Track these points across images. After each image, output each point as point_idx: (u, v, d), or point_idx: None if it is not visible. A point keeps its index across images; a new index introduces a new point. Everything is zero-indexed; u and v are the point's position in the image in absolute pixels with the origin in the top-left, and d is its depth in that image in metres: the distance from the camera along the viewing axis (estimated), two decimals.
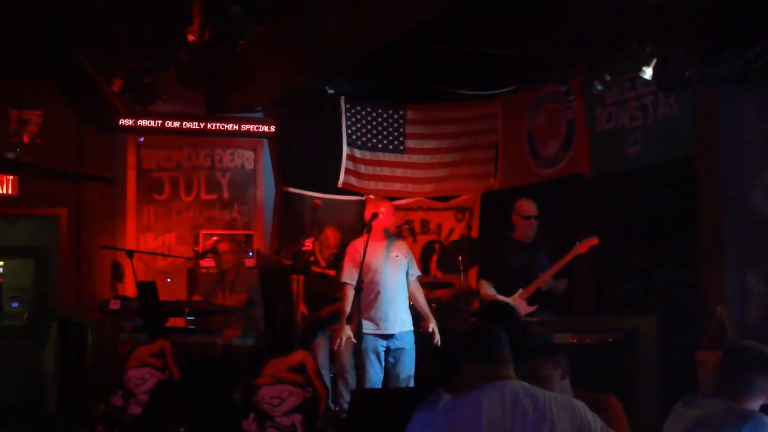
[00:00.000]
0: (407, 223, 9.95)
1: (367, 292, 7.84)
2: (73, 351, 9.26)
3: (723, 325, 7.19)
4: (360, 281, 7.54)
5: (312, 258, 8.93)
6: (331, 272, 8.82)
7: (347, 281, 7.88)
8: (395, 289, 7.94)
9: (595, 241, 7.88)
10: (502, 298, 8.00)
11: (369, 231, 7.67)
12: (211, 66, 9.40)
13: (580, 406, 3.75)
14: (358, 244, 7.94)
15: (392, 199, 10.54)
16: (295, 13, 8.05)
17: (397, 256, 7.99)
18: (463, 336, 4.15)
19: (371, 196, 10.31)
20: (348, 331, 7.73)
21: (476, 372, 3.89)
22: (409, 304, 8.07)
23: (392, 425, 4.71)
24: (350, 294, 7.81)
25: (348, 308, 7.76)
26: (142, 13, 7.91)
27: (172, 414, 6.93)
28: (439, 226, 10.85)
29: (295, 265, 8.94)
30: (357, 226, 10.06)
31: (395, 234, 8.31)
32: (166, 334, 8.26)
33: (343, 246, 8.66)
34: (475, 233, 10.72)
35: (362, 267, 7.66)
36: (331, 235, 9.09)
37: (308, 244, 9.16)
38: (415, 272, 8.14)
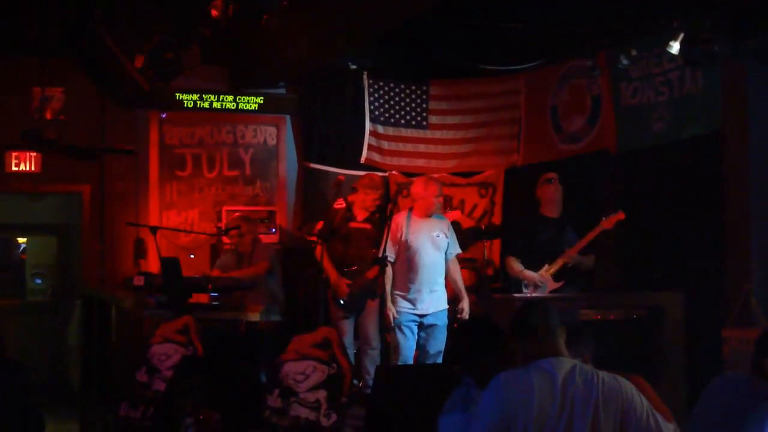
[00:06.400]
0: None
1: (405, 270, 7.83)
2: (96, 327, 9.28)
3: (749, 302, 7.15)
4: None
5: (350, 214, 8.59)
6: (368, 226, 8.54)
7: (389, 258, 7.85)
8: (434, 270, 7.92)
9: (621, 215, 7.84)
10: (529, 273, 7.99)
11: (395, 205, 7.64)
12: (235, 42, 9.35)
13: (628, 386, 3.70)
14: (401, 219, 7.92)
15: (413, 175, 10.53)
16: None
17: (438, 236, 7.95)
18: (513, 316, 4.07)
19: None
20: (394, 310, 7.75)
21: (524, 348, 3.85)
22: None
23: (417, 401, 4.71)
24: (390, 271, 7.81)
25: (389, 286, 7.77)
26: None
27: (196, 390, 6.94)
28: (462, 202, 10.80)
29: (324, 229, 8.51)
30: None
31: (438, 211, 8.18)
32: (190, 311, 8.28)
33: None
34: (498, 209, 10.67)
35: (401, 244, 7.71)
36: (376, 177, 8.84)
37: (340, 202, 8.88)
38: (455, 250, 8.10)
